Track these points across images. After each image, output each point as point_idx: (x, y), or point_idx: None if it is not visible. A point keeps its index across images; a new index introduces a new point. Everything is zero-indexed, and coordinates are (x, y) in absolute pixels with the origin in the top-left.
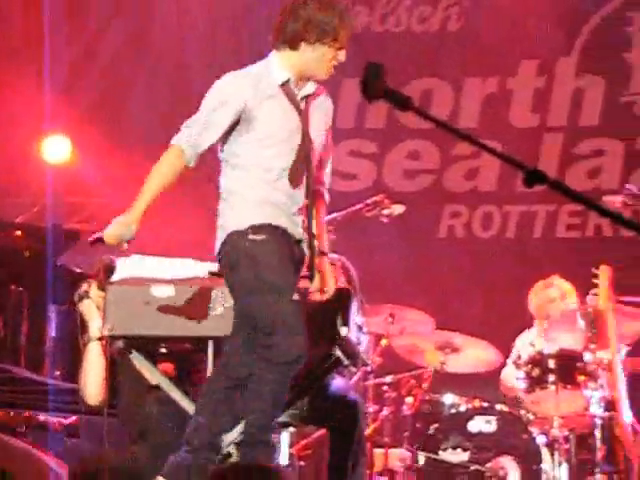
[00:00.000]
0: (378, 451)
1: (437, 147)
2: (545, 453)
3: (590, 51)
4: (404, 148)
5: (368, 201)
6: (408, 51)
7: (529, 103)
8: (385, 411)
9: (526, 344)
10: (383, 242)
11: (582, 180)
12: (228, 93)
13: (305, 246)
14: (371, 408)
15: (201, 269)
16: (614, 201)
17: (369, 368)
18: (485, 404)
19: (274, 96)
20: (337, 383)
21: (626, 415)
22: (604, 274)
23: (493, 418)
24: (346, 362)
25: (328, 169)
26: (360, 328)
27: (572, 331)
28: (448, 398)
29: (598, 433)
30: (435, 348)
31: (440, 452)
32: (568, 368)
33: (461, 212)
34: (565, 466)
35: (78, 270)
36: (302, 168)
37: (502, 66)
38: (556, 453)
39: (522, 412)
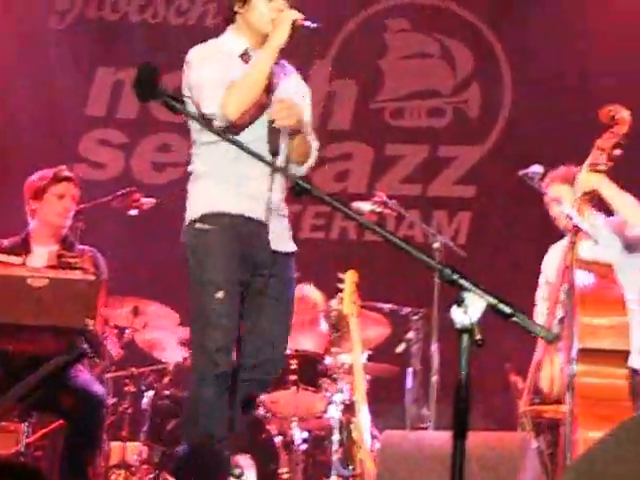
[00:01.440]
0: (115, 444)
1: (187, 141)
2: (282, 453)
3: (345, 56)
4: (154, 140)
5: (118, 193)
6: (164, 43)
7: None
8: (125, 404)
9: None
10: (130, 234)
11: (329, 183)
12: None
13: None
14: (111, 401)
15: None
16: (362, 208)
17: (112, 360)
18: None
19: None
20: (80, 374)
21: (365, 419)
22: (350, 278)
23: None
24: (91, 354)
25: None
26: (106, 320)
27: (314, 333)
28: (187, 394)
29: (336, 436)
30: (178, 343)
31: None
32: (309, 370)
33: None
34: (301, 467)
35: None
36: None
37: None
38: (293, 454)
39: (261, 411)
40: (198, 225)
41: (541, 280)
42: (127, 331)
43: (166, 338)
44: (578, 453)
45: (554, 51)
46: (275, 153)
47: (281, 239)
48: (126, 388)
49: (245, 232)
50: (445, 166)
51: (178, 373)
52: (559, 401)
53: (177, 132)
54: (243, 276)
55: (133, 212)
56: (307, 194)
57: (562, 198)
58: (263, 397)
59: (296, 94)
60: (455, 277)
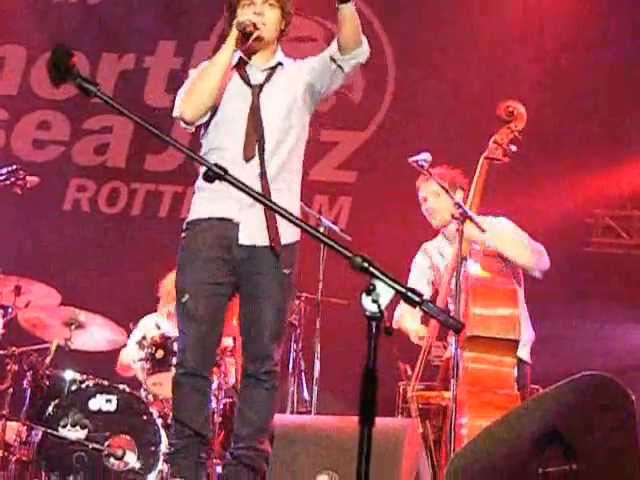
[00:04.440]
0: None
1: (68, 119)
2: (163, 435)
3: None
4: (35, 117)
5: (3, 171)
6: (48, 21)
7: (164, 83)
8: (5, 383)
9: (152, 325)
10: (12, 212)
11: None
12: None
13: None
14: None
15: None
16: None
17: None
18: (107, 383)
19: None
20: None
21: None
22: None
23: (114, 397)
24: None
25: None
26: None
27: None
28: (69, 374)
29: (218, 418)
30: (60, 323)
31: (59, 429)
32: None
33: (88, 186)
34: None
35: None
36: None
37: (140, 44)
38: None
39: (143, 393)
40: (182, 234)
41: (423, 264)
42: (9, 310)
43: (48, 318)
44: (463, 439)
45: (438, 39)
46: (248, 159)
47: (260, 233)
48: (7, 367)
49: (216, 234)
50: (327, 151)
51: (60, 353)
52: (446, 387)
53: (58, 109)
54: (220, 278)
55: (18, 190)
56: (220, 179)
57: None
58: (146, 378)
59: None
60: (366, 265)
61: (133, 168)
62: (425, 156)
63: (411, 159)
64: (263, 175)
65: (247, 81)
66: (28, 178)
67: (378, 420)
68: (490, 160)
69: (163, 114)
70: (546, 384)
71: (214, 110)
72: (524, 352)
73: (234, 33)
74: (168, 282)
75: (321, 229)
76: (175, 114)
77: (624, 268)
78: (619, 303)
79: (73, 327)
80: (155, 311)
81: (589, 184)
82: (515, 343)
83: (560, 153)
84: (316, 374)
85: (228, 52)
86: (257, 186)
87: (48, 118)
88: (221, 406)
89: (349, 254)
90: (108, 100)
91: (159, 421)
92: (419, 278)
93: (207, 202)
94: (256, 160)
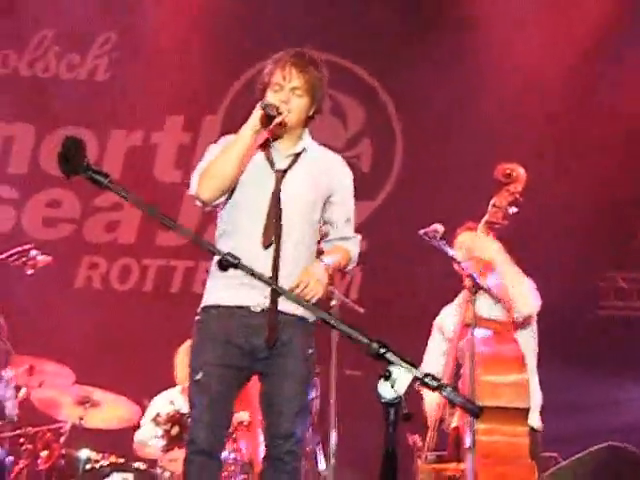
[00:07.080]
0: None
1: (78, 197)
2: None
3: (235, 111)
4: (45, 195)
5: (14, 250)
6: (56, 98)
7: (173, 158)
8: (21, 464)
9: (166, 402)
10: (22, 291)
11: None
12: None
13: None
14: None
15: None
16: None
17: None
18: (122, 461)
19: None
20: None
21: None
22: None
23: (130, 476)
24: None
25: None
26: (7, 382)
27: None
28: (84, 453)
29: None
30: (74, 402)
31: None
32: None
33: (99, 263)
34: None
35: None
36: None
37: (148, 120)
38: None
39: (159, 470)
40: (197, 317)
41: (437, 336)
42: (23, 390)
43: (62, 396)
44: None
45: (446, 108)
46: (267, 246)
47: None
48: (22, 447)
49: (239, 322)
50: None
51: (74, 431)
52: (457, 458)
53: (68, 187)
54: (238, 362)
55: (29, 271)
56: (235, 268)
57: (467, 249)
58: (162, 455)
59: (305, 190)
60: (383, 351)
61: (144, 244)
62: (436, 227)
63: (422, 231)
64: (278, 262)
65: (271, 164)
66: (39, 258)
67: None
68: (491, 224)
69: (173, 190)
70: (562, 450)
71: (233, 189)
72: (534, 419)
73: (258, 112)
74: (182, 350)
75: (333, 302)
76: (192, 192)
77: (637, 331)
78: (633, 367)
79: (87, 405)
80: (169, 387)
81: (600, 246)
82: (526, 411)
83: (568, 215)
84: (332, 447)
85: (249, 131)
86: (273, 272)
87: (58, 196)
88: None
89: (365, 340)
90: (119, 192)
91: None
92: (435, 352)
93: (224, 289)
94: (273, 247)
